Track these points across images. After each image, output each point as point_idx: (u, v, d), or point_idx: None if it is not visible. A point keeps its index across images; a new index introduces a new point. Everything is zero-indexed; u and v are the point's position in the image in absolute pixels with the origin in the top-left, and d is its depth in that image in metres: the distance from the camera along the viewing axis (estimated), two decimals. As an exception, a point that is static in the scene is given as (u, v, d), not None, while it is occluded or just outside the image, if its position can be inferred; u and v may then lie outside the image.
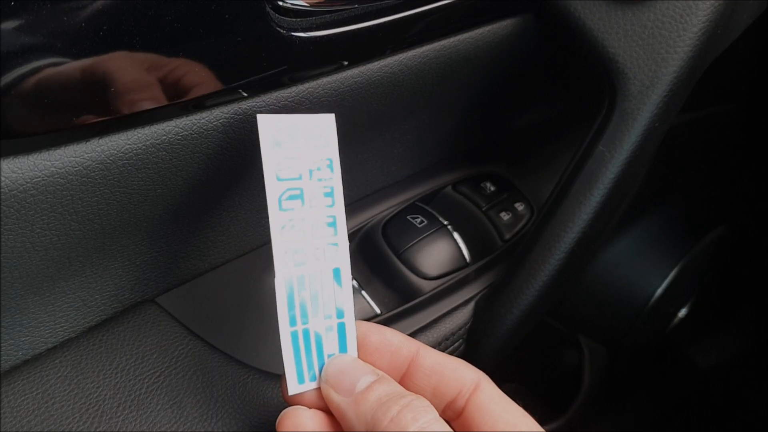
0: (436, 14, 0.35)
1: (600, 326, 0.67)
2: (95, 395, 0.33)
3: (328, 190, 0.30)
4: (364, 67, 0.34)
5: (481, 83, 0.43)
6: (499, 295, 0.40)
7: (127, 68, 0.26)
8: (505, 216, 0.46)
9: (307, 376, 0.29)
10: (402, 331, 0.39)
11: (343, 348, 0.30)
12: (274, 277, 0.39)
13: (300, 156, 0.29)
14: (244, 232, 0.38)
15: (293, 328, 0.29)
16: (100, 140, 0.27)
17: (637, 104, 0.37)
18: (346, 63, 0.33)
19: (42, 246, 0.28)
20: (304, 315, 0.29)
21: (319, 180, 0.30)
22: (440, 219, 0.44)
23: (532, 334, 0.48)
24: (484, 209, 0.46)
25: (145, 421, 0.32)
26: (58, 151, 0.26)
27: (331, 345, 0.30)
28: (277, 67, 0.30)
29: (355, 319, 0.30)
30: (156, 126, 0.28)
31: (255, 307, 0.38)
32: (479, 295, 0.42)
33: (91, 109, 0.26)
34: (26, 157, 0.25)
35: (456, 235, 0.44)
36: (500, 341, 0.40)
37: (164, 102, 0.27)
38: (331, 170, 0.30)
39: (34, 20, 0.23)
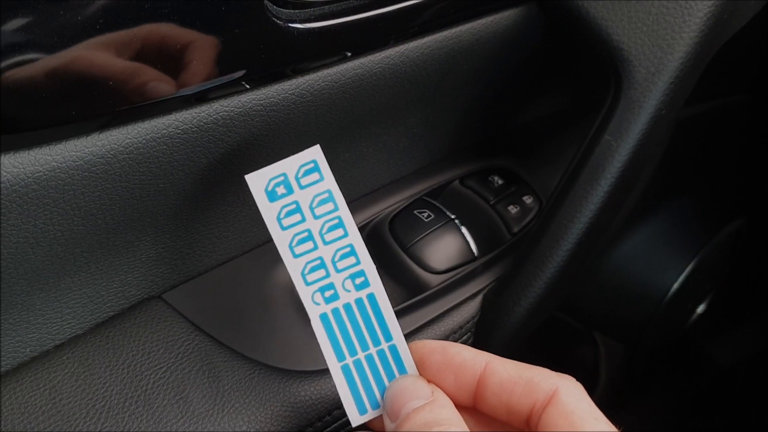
0: (437, 5, 0.35)
1: (616, 323, 0.66)
2: (102, 391, 0.33)
3: (336, 221, 0.30)
4: (365, 58, 0.34)
5: (485, 75, 0.42)
6: (506, 288, 0.40)
7: (126, 61, 0.26)
8: (513, 209, 0.45)
9: (368, 405, 0.30)
10: (409, 325, 0.39)
11: (401, 369, 0.30)
12: (281, 274, 0.40)
13: (298, 199, 0.29)
14: (249, 228, 0.38)
15: (342, 363, 0.30)
16: (101, 134, 0.27)
17: (642, 92, 0.37)
18: (349, 54, 0.33)
19: (46, 241, 0.29)
20: (351, 347, 0.30)
21: (324, 215, 0.29)
22: (447, 213, 0.44)
23: (547, 331, 0.47)
24: (491, 203, 0.45)
25: (151, 417, 0.32)
26: (59, 145, 0.26)
27: (387, 369, 0.30)
28: (275, 59, 0.30)
29: (420, 339, 0.30)
30: (155, 120, 0.28)
31: (261, 303, 0.38)
32: (487, 288, 0.41)
33: (90, 103, 0.26)
34: (27, 151, 0.26)
35: (463, 229, 0.43)
36: (509, 334, 0.40)
37: (164, 95, 0.28)
38: (334, 201, 0.30)
39: (33, 14, 0.23)
